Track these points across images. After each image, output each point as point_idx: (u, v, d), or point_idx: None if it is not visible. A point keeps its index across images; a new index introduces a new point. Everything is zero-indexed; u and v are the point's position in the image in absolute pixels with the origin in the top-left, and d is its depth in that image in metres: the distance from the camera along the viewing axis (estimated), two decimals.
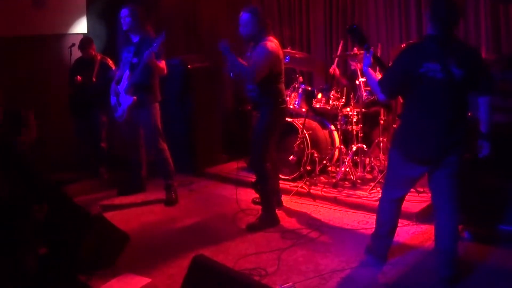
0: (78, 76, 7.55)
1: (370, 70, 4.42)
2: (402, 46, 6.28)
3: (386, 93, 4.27)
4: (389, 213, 4.52)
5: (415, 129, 4.17)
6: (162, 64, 6.34)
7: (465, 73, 3.96)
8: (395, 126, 6.56)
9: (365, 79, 6.74)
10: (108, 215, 5.44)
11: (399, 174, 4.37)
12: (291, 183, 6.89)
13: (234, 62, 5.46)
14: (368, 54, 4.39)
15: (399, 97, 5.23)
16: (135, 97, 6.39)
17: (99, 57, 7.72)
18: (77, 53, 7.82)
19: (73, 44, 7.75)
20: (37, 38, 8.34)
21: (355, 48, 6.95)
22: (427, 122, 4.08)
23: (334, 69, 7.32)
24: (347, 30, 4.60)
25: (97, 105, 7.64)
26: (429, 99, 4.05)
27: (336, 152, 7.17)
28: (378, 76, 4.72)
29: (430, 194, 4.53)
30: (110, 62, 7.69)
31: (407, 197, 4.59)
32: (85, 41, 7.74)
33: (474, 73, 4.02)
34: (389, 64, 5.08)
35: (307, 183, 6.78)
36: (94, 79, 7.48)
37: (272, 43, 5.47)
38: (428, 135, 4.09)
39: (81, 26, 8.75)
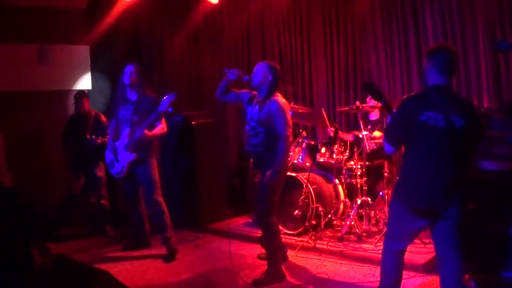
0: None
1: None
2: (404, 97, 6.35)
3: (391, 143, 4.29)
4: (391, 265, 4.45)
5: (416, 178, 4.15)
6: (162, 122, 6.46)
7: (466, 123, 3.99)
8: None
9: (368, 133, 6.93)
10: (113, 271, 5.38)
11: (400, 226, 4.34)
12: (296, 238, 6.82)
13: None
14: (389, 114, 4.43)
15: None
16: (136, 154, 6.43)
17: (93, 113, 7.72)
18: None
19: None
20: (41, 94, 8.41)
21: (357, 102, 6.96)
22: (428, 170, 4.07)
23: (333, 131, 7.28)
24: (363, 87, 4.70)
25: (92, 161, 7.62)
26: (430, 147, 4.06)
27: (341, 206, 7.15)
28: None
29: None
30: (104, 119, 7.67)
31: (413, 249, 4.54)
32: (79, 94, 7.73)
33: (474, 123, 4.06)
34: None
35: (313, 237, 6.72)
36: (88, 136, 7.45)
37: (282, 98, 5.58)
38: (428, 184, 4.07)
39: (85, 82, 8.83)
